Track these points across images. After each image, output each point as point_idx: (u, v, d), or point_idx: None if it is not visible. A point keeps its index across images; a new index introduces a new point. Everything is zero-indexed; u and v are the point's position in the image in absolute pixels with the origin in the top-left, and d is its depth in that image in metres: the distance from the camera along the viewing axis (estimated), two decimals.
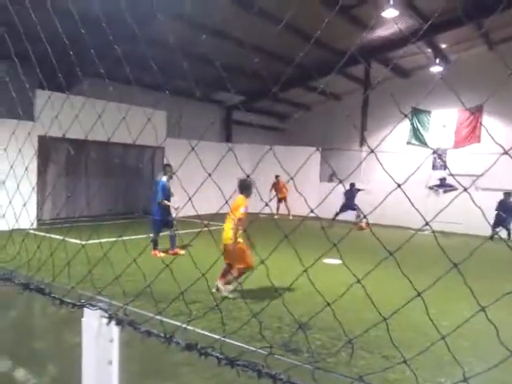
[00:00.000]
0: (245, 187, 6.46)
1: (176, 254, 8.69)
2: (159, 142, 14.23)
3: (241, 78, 17.90)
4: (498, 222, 13.44)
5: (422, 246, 7.91)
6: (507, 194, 13.83)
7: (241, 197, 6.37)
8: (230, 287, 6.31)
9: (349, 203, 15.25)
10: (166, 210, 9.06)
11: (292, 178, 1.47)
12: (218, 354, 1.51)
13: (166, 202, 8.92)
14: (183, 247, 9.01)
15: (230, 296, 6.05)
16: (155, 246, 9.18)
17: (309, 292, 5.96)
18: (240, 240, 6.21)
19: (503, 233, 13.68)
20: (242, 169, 1.89)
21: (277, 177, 17.02)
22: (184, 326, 1.63)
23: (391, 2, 12.88)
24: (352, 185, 15.63)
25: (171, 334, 1.59)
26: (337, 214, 15.26)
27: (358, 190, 15.57)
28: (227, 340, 1.66)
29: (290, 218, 16.60)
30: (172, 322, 1.69)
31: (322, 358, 3.67)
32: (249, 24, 13.65)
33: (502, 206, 13.57)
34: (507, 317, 5.58)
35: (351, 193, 15.37)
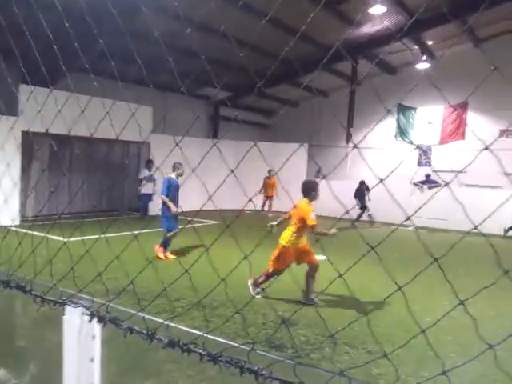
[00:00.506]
0: (309, 190, 5.92)
1: (166, 258, 8.41)
2: (144, 137, 14.09)
3: (227, 73, 17.81)
4: None
5: (406, 242, 7.99)
6: None
7: (305, 201, 5.86)
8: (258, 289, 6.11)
9: (361, 202, 15.11)
10: (167, 208, 8.47)
11: (276, 173, 1.47)
12: (200, 351, 1.51)
13: (164, 198, 8.42)
14: (176, 252, 8.70)
15: (256, 295, 5.96)
16: (165, 247, 8.64)
17: (294, 288, 5.98)
18: (300, 244, 5.90)
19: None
20: (227, 164, 1.88)
21: (269, 171, 16.78)
22: (166, 322, 1.62)
23: None
24: (361, 182, 15.49)
25: (153, 331, 1.58)
26: (359, 217, 15.20)
27: (367, 188, 15.44)
28: (211, 337, 1.65)
29: (270, 215, 16.37)
30: (155, 318, 1.69)
31: (306, 354, 3.69)
32: (235, 18, 13.60)
33: None
34: (489, 311, 5.68)
35: (361, 191, 15.24)
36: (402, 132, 18.82)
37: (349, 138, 20.13)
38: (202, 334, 1.52)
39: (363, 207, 15.12)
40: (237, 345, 1.42)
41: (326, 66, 18.55)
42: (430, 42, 17.47)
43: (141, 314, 1.64)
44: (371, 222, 15.17)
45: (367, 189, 15.38)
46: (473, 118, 17.71)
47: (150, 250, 8.53)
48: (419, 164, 17.34)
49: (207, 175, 3.36)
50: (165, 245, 8.64)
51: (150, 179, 13.78)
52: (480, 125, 17.69)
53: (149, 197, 13.97)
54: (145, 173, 14.01)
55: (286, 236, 5.87)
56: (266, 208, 17.11)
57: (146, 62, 2.31)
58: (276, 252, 5.93)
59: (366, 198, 15.14)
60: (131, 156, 16.46)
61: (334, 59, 18.36)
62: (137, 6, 9.43)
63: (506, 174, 15.19)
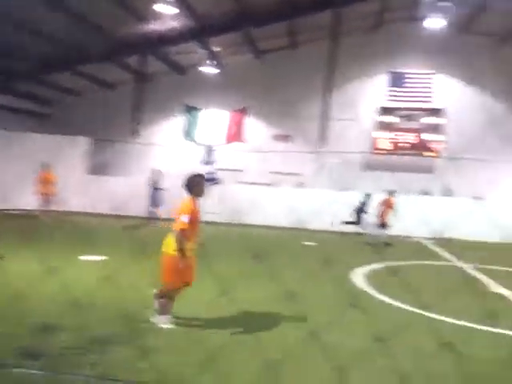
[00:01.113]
0: (190, 185, 4.94)
1: None
2: None
3: None
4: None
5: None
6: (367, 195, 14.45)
7: (187, 199, 4.86)
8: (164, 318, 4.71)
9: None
10: None
11: (48, 167, 1.29)
12: None
13: None
14: None
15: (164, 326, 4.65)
16: None
17: (60, 291, 5.37)
18: (188, 254, 4.68)
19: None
20: None
21: (43, 165, 14.73)
22: None
23: None
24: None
25: None
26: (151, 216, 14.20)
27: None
28: None
29: (37, 213, 14.59)
30: None
31: (67, 359, 3.47)
32: None
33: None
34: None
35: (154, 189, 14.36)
36: (187, 131, 19.52)
37: (135, 133, 20.00)
38: None
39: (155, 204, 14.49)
40: None
41: (114, 58, 17.91)
42: (216, 49, 18.48)
43: None
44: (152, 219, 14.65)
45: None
46: (252, 122, 19.43)
47: None
48: (204, 162, 18.11)
49: None
50: None
51: None
52: (258, 129, 19.59)
53: None
54: None
55: (171, 242, 4.78)
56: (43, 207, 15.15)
57: None
58: (165, 265, 4.78)
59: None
60: None
61: (122, 52, 17.85)
62: None
63: (275, 173, 17.38)
